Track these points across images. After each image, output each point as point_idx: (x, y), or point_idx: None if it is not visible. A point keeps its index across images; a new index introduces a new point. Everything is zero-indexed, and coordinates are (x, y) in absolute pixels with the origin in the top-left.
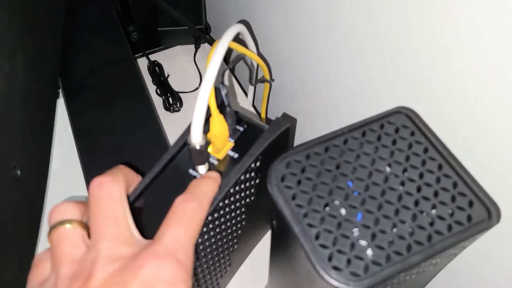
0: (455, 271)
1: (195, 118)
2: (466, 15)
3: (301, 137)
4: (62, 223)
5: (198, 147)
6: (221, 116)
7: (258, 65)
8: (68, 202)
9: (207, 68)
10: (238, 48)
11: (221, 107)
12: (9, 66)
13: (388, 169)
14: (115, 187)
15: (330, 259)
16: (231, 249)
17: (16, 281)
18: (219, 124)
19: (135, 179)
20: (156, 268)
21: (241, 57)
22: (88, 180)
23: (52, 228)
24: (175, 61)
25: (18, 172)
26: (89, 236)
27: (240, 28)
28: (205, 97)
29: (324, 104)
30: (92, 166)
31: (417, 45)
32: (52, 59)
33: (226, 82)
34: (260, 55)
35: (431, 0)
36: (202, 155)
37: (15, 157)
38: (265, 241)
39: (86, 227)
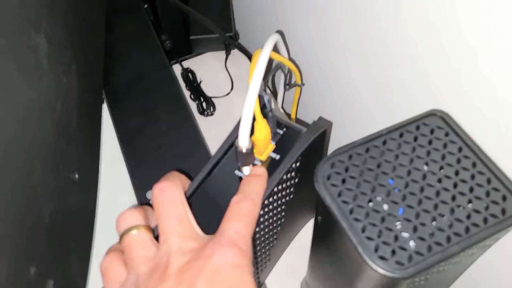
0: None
1: (243, 124)
2: (492, 23)
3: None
4: (130, 229)
5: (244, 150)
6: (264, 121)
7: (289, 70)
8: (131, 210)
9: (251, 77)
10: (274, 56)
11: (263, 111)
12: (66, 79)
13: (425, 167)
14: (175, 191)
15: (376, 250)
16: (271, 245)
17: (78, 277)
18: (263, 129)
19: (187, 183)
20: (223, 255)
21: (280, 66)
22: (134, 182)
23: (123, 235)
24: (207, 67)
25: (76, 176)
26: (156, 238)
27: (277, 38)
28: (251, 105)
29: (352, 108)
30: (137, 169)
31: (445, 53)
32: (97, 69)
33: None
34: (291, 60)
35: (460, 7)
36: (248, 158)
37: (74, 163)
38: (300, 237)
39: (151, 230)
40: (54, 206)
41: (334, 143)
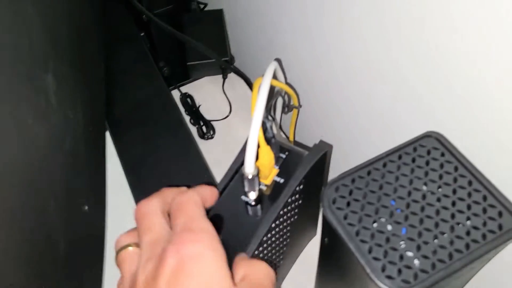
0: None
1: (248, 152)
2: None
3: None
4: (121, 249)
5: (250, 176)
6: (268, 147)
7: (285, 93)
8: (124, 232)
9: (253, 106)
10: (273, 83)
11: (266, 137)
12: (73, 114)
13: (424, 187)
14: (150, 204)
15: (383, 269)
16: (278, 265)
17: None
18: (267, 155)
19: (209, 193)
20: (175, 252)
21: (280, 93)
22: None
23: (116, 255)
24: (204, 91)
25: (86, 208)
26: None
27: (276, 65)
28: (256, 133)
29: (351, 130)
30: (143, 197)
31: (439, 79)
32: (100, 101)
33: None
34: (288, 84)
35: (459, 30)
36: (254, 183)
37: (83, 194)
38: (306, 257)
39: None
40: (68, 238)
41: (335, 165)
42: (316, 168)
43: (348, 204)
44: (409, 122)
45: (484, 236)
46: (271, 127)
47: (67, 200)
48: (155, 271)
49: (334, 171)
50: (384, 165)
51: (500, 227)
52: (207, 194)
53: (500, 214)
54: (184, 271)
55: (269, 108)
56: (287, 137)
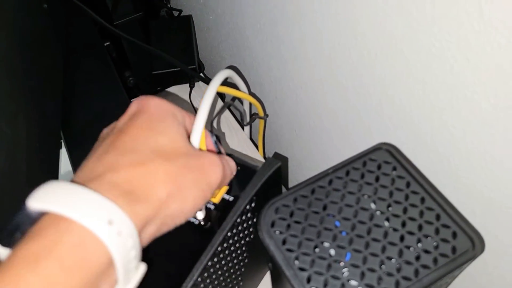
0: None
1: None
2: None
3: (304, 167)
4: None
5: None
6: None
7: (250, 104)
8: None
9: (195, 121)
10: (229, 91)
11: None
12: (11, 129)
13: (373, 205)
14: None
15: None
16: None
17: None
18: None
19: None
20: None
21: (230, 104)
22: None
23: None
24: (172, 101)
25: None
26: None
27: (228, 73)
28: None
29: (318, 137)
30: None
31: (399, 83)
32: (53, 113)
33: (223, 118)
34: (252, 94)
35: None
36: None
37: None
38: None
39: None
40: None
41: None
42: (269, 183)
43: (289, 226)
44: (370, 132)
45: (435, 261)
46: (216, 142)
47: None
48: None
49: None
50: (330, 182)
51: (453, 250)
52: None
53: (454, 235)
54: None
55: (211, 122)
56: (257, 148)
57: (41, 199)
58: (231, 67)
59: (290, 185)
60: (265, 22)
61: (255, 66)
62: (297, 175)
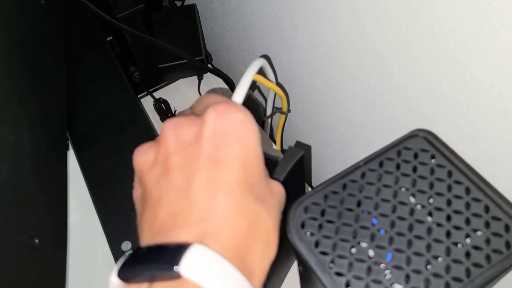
0: None
1: None
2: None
3: (321, 167)
4: None
5: None
6: None
7: (275, 95)
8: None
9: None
10: (262, 81)
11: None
12: (14, 136)
13: (412, 199)
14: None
15: None
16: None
17: None
18: None
19: None
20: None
21: (249, 93)
22: (106, 231)
23: None
24: (180, 95)
25: (36, 241)
26: None
27: (262, 62)
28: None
29: (342, 131)
30: (109, 216)
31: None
32: (58, 114)
33: None
34: (279, 85)
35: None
36: None
37: (31, 226)
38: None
39: None
40: (13, 280)
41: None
42: (292, 174)
43: (321, 227)
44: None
45: (488, 258)
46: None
47: (6, 235)
48: (196, 132)
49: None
50: (363, 175)
51: (507, 245)
52: None
53: (507, 228)
54: (229, 133)
55: None
56: (274, 143)
57: (195, 270)
58: (264, 56)
59: (313, 181)
60: (274, 6)
61: (264, 54)
62: (318, 170)
